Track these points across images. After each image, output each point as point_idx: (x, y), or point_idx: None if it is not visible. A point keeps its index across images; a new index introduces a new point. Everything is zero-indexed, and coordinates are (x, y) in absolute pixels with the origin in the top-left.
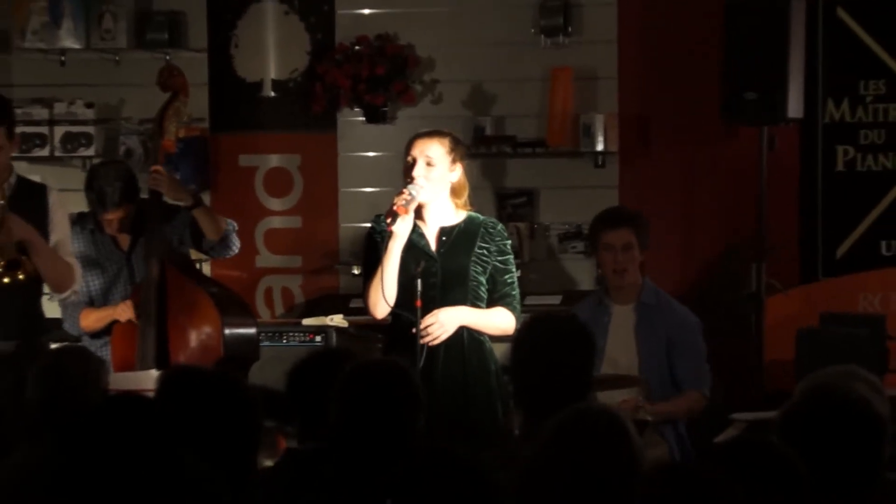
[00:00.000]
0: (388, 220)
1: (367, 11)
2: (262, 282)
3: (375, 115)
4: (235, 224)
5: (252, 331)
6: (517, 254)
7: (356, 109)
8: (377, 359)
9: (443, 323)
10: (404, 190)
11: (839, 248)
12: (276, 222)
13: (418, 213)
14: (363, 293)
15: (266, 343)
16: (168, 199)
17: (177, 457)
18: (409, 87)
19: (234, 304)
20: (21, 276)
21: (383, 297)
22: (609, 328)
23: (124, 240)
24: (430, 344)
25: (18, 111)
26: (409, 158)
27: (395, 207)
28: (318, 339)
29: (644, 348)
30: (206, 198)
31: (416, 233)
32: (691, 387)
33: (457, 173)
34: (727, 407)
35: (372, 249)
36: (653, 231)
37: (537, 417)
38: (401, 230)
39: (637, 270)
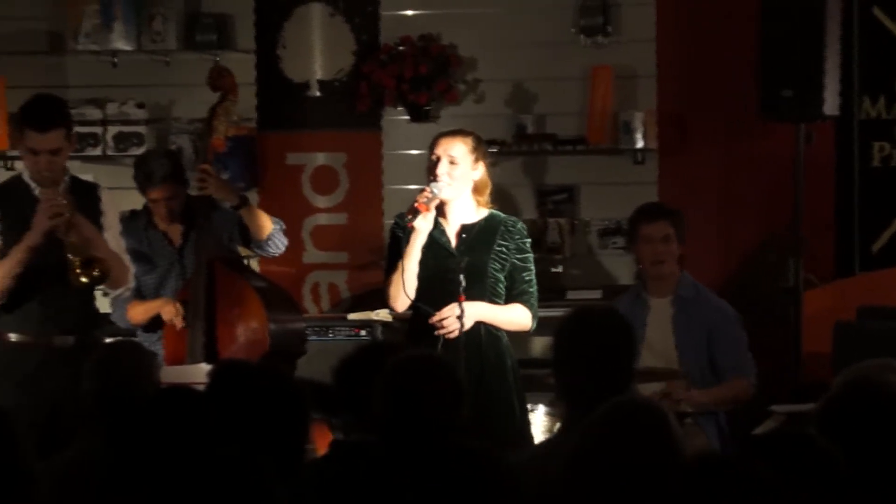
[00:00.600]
0: (410, 217)
1: (410, 12)
2: (309, 277)
3: (419, 114)
4: (283, 223)
5: (298, 325)
6: (559, 248)
7: (400, 108)
8: (420, 352)
9: (456, 318)
10: (427, 188)
11: (875, 243)
12: (323, 219)
13: (440, 210)
14: (384, 286)
15: (313, 337)
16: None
17: (226, 448)
18: (452, 86)
19: (281, 300)
20: (97, 274)
21: (404, 290)
22: (647, 321)
23: (176, 236)
24: (447, 337)
25: (72, 112)
26: (433, 157)
27: (416, 205)
28: (363, 333)
29: (681, 340)
30: (254, 195)
31: (438, 229)
32: (736, 374)
33: (479, 172)
34: (766, 399)
35: (394, 245)
36: (691, 226)
37: (580, 410)
38: (422, 227)
39: (675, 263)
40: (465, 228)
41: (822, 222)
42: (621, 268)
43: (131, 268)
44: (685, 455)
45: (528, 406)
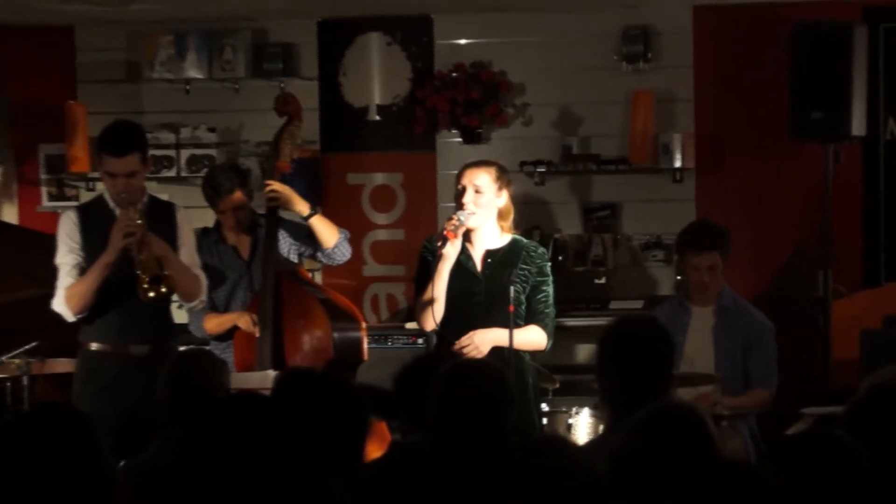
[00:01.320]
0: (440, 244)
1: (463, 41)
2: (368, 289)
3: (471, 136)
4: (348, 233)
5: (358, 335)
6: (602, 261)
7: (453, 131)
8: (474, 360)
9: (477, 344)
10: (454, 216)
11: None
12: (382, 235)
13: (467, 236)
14: (414, 307)
15: (373, 345)
16: (285, 211)
17: (291, 449)
18: (502, 110)
19: (342, 311)
20: (164, 290)
21: (431, 313)
22: (689, 328)
23: (244, 249)
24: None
25: (148, 136)
26: (460, 186)
27: (445, 232)
28: (420, 341)
29: (720, 347)
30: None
31: (464, 254)
32: (761, 385)
33: (503, 199)
34: (797, 402)
35: (422, 267)
36: None
37: (622, 412)
38: (450, 253)
39: (718, 283)
40: (489, 253)
41: (850, 236)
42: (661, 279)
43: (204, 282)
44: (721, 455)
45: (574, 409)
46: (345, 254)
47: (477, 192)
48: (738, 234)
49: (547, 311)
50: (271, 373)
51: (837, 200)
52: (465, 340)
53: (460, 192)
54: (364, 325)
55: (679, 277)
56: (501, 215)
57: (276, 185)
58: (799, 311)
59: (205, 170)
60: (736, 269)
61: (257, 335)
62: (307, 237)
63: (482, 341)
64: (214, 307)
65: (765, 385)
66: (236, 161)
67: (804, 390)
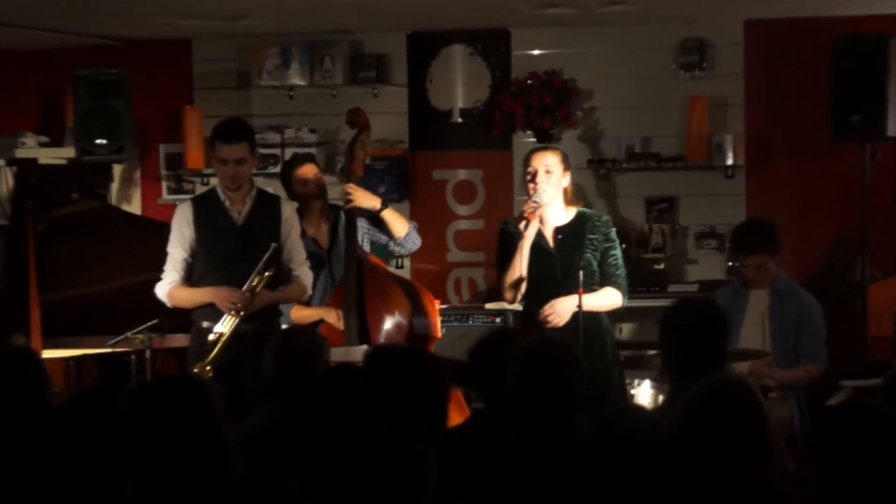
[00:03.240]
0: (522, 226)
1: (536, 52)
2: (452, 273)
3: (544, 137)
4: (416, 224)
5: (431, 313)
6: (662, 249)
7: (528, 132)
8: (547, 336)
9: (559, 312)
10: (530, 199)
11: None
12: (463, 225)
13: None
14: (498, 283)
15: (455, 323)
16: (361, 206)
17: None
18: (572, 113)
19: (416, 292)
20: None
21: (514, 287)
22: (746, 308)
23: (323, 240)
24: (552, 327)
25: (256, 136)
26: (530, 169)
27: (525, 214)
28: (497, 320)
29: (774, 326)
30: (406, 206)
31: (537, 233)
32: (809, 361)
33: (566, 179)
34: (837, 375)
35: (502, 247)
36: None
37: (681, 384)
38: (531, 233)
39: (768, 274)
40: (559, 230)
41: (885, 226)
42: (714, 265)
43: (308, 279)
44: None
45: (636, 381)
46: (415, 242)
47: (547, 172)
48: (785, 225)
49: (618, 272)
50: (361, 348)
51: (873, 194)
52: (546, 310)
53: (531, 176)
54: (437, 304)
55: (731, 264)
56: (566, 194)
57: (352, 187)
58: (838, 294)
59: None
60: (783, 255)
61: (342, 328)
62: (382, 227)
63: (563, 309)
64: None
65: (813, 361)
66: (335, 161)
67: (843, 365)
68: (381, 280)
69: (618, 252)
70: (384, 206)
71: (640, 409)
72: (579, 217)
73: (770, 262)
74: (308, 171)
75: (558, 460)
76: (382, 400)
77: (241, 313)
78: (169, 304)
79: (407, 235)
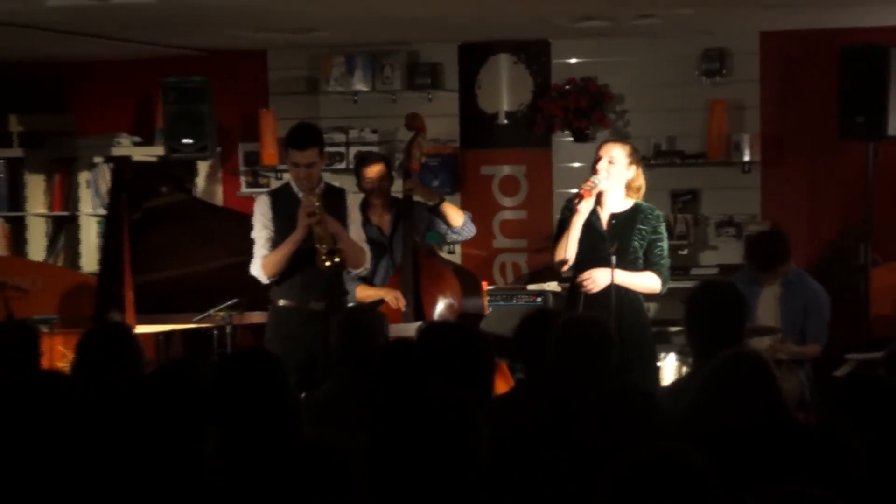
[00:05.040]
0: (576, 201)
1: (573, 60)
2: (497, 258)
3: (580, 136)
4: (471, 214)
5: (479, 293)
6: (685, 236)
7: (566, 132)
8: (583, 314)
9: (594, 279)
10: (590, 180)
11: None
12: (508, 215)
13: (597, 199)
14: (552, 252)
15: (500, 303)
16: (420, 199)
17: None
18: (605, 115)
19: (468, 276)
20: (337, 260)
21: (565, 258)
22: (760, 296)
23: (385, 228)
24: (587, 292)
25: (324, 136)
26: (598, 156)
27: (581, 191)
28: (538, 299)
29: (784, 311)
30: (458, 198)
31: (594, 216)
32: (813, 341)
33: (631, 172)
34: (843, 349)
35: (562, 221)
36: (787, 221)
37: (705, 357)
38: (583, 209)
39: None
40: (614, 216)
41: (886, 216)
42: (732, 251)
43: (368, 254)
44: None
45: (662, 354)
46: (471, 230)
47: (610, 162)
48: (796, 216)
49: (661, 261)
50: (416, 324)
51: (876, 187)
52: (585, 275)
53: (597, 161)
54: (485, 285)
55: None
56: (629, 186)
57: (411, 183)
58: (844, 277)
59: None
60: (794, 243)
61: (403, 309)
62: (440, 217)
63: (598, 277)
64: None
65: (816, 342)
66: (394, 159)
67: (848, 340)
68: (435, 265)
69: (664, 244)
70: (441, 199)
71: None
72: (634, 208)
73: (781, 272)
74: (374, 171)
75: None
76: (435, 371)
77: (317, 216)
78: (265, 277)
79: (464, 224)
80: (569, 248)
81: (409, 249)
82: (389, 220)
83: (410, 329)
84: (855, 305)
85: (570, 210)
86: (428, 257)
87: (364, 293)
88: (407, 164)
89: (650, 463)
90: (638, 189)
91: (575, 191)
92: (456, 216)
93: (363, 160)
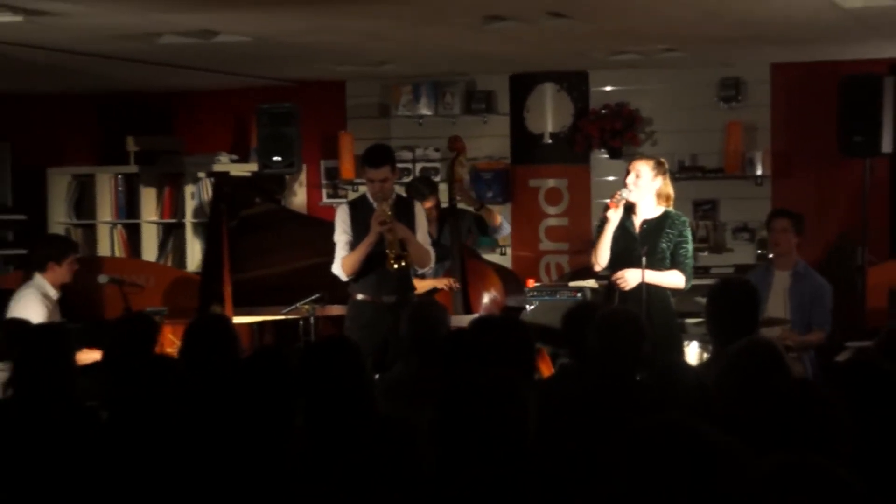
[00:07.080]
0: (606, 211)
1: (609, 88)
2: (543, 259)
3: (615, 154)
4: (505, 217)
5: (521, 290)
6: (706, 240)
7: (602, 150)
8: (618, 307)
9: (626, 278)
10: (618, 193)
11: None
12: (552, 222)
13: (631, 207)
14: (591, 253)
15: (546, 298)
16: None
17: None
18: (636, 135)
19: (508, 274)
20: (403, 264)
21: (598, 260)
22: (772, 286)
23: (433, 231)
24: (621, 289)
25: (395, 154)
26: (628, 170)
27: (609, 203)
28: (578, 295)
29: (792, 302)
30: (508, 207)
31: (629, 221)
32: (819, 328)
33: (658, 182)
34: (843, 338)
35: (598, 227)
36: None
37: (724, 345)
38: (612, 217)
39: (789, 243)
40: (645, 221)
41: (881, 222)
42: (746, 253)
43: (433, 254)
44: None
45: (685, 342)
46: (506, 229)
47: (637, 176)
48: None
49: (686, 261)
50: (471, 316)
51: (872, 197)
52: (618, 274)
53: (627, 175)
54: (531, 282)
55: (760, 252)
56: (659, 194)
57: (458, 194)
58: (844, 275)
59: (432, 176)
60: (801, 245)
61: (457, 288)
62: (480, 221)
63: (630, 276)
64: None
65: (822, 328)
66: (453, 173)
67: (848, 331)
68: (480, 263)
69: (688, 246)
70: (481, 205)
71: (687, 365)
72: (664, 215)
73: (792, 235)
74: (427, 204)
75: (624, 405)
76: (485, 356)
77: (387, 224)
78: (344, 275)
79: (500, 225)
80: (601, 253)
81: (457, 250)
82: (436, 226)
83: (465, 321)
84: (853, 300)
85: (604, 217)
86: (472, 256)
87: (419, 284)
88: (452, 180)
89: (659, 432)
90: (667, 197)
91: (608, 201)
92: (492, 220)
93: (420, 193)
